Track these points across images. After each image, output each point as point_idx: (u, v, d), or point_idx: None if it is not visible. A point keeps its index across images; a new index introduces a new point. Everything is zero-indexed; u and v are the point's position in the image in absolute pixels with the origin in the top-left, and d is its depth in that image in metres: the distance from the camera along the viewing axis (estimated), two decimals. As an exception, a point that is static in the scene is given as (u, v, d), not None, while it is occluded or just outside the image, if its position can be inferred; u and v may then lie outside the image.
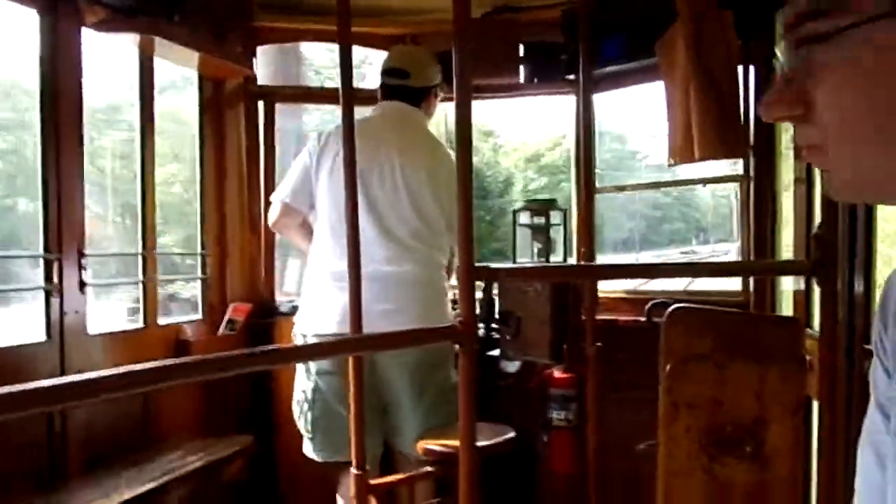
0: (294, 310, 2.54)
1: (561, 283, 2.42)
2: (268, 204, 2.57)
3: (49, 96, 2.15)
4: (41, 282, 2.15)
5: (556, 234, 2.89)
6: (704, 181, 2.74)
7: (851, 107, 0.51)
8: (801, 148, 0.57)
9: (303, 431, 2.34)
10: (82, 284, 2.22)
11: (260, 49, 3.01)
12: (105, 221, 4.35)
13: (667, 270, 1.52)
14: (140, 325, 2.56)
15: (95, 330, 2.32)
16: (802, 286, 1.92)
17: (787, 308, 2.26)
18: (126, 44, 2.45)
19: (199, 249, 2.89)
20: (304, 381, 2.32)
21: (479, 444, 1.11)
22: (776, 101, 0.55)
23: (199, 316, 2.86)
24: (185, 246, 3.19)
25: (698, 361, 1.50)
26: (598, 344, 2.19)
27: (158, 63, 2.57)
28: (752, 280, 2.37)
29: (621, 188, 3.10)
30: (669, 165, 2.46)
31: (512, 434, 2.32)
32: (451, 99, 3.21)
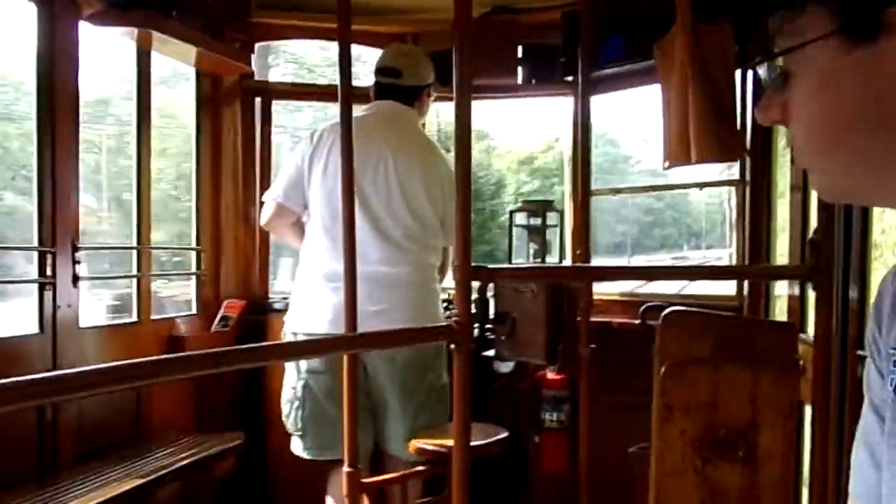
0: (287, 307, 2.54)
1: (556, 285, 2.42)
2: (262, 202, 2.56)
3: (45, 89, 2.14)
4: (34, 275, 2.14)
5: (552, 236, 2.89)
6: (701, 185, 2.75)
7: (810, 119, 0.55)
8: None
9: (291, 430, 2.33)
10: (76, 278, 2.20)
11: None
12: (94, 216, 4.33)
13: (663, 273, 1.52)
14: (133, 319, 2.55)
15: (88, 324, 2.31)
16: (797, 291, 1.93)
17: (780, 313, 2.27)
18: (123, 38, 2.44)
19: (193, 245, 2.88)
20: (293, 379, 2.32)
21: (472, 444, 1.11)
22: (763, 107, 0.59)
23: (192, 311, 2.85)
24: (172, 243, 3.17)
25: (693, 365, 1.50)
26: (593, 346, 2.19)
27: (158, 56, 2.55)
28: (746, 284, 2.38)
29: (617, 190, 3.10)
30: (665, 168, 2.47)
31: (504, 434, 2.32)
32: (448, 98, 3.22)
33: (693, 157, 2.11)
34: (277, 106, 3.15)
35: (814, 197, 1.76)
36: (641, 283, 2.89)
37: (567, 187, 3.01)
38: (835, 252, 1.52)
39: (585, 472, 2.23)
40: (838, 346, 1.53)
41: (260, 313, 2.94)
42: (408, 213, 2.30)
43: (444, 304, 2.76)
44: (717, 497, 1.47)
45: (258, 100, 3.03)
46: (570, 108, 2.94)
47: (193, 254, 2.88)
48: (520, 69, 2.86)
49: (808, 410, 1.72)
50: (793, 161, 1.97)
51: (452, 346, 1.05)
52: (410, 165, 2.31)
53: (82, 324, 2.27)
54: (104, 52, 2.59)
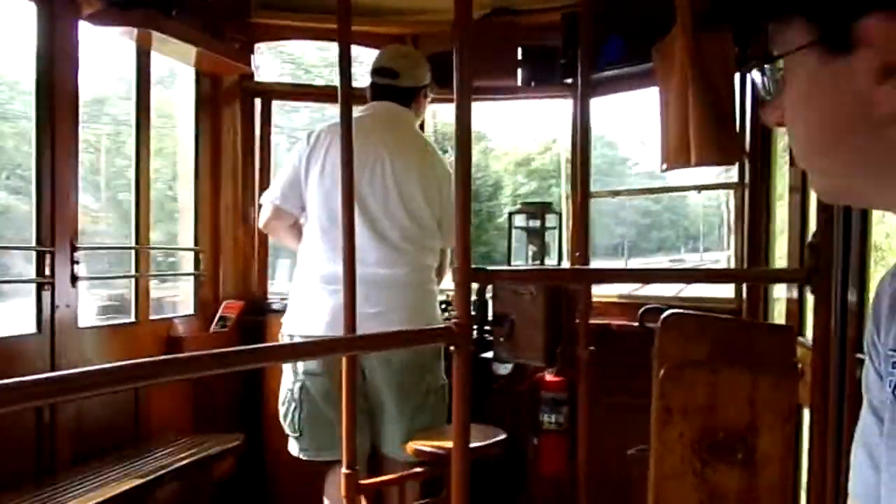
0: (286, 308, 2.54)
1: (555, 287, 2.42)
2: (260, 205, 2.56)
3: (44, 89, 2.14)
4: (32, 274, 2.14)
5: (551, 238, 2.90)
6: (700, 188, 2.75)
7: (802, 124, 0.57)
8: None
9: (288, 431, 2.33)
10: (74, 278, 2.20)
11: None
12: (89, 215, 4.32)
13: (662, 276, 1.53)
14: (132, 319, 2.55)
15: (86, 324, 2.31)
16: (795, 294, 1.93)
17: (779, 315, 2.27)
18: (122, 37, 2.44)
19: (192, 245, 2.88)
20: (290, 381, 2.32)
21: (471, 445, 1.11)
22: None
23: (190, 312, 2.84)
24: (166, 243, 3.17)
25: (692, 367, 1.50)
26: (591, 348, 2.19)
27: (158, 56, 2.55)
28: (744, 287, 2.38)
29: (616, 192, 3.11)
30: (663, 170, 2.47)
31: (503, 436, 2.32)
32: (446, 100, 3.22)
33: (693, 160, 2.12)
34: (274, 106, 3.15)
35: (813, 199, 1.77)
36: (639, 285, 2.89)
37: (564, 189, 3.01)
38: (834, 255, 1.52)
39: (584, 474, 2.23)
40: (837, 349, 1.53)
41: (258, 314, 2.94)
42: (405, 214, 2.30)
43: (443, 306, 2.76)
44: (716, 499, 1.47)
45: (258, 100, 3.03)
46: (568, 109, 2.95)
47: (191, 254, 2.88)
48: (519, 71, 2.86)
49: (806, 413, 1.72)
50: (792, 163, 1.97)
51: (452, 347, 1.05)
52: (407, 166, 2.31)
53: (80, 324, 2.27)
54: (100, 51, 2.58)
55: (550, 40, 2.80)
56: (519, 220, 2.91)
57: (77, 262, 2.20)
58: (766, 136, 2.28)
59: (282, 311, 2.49)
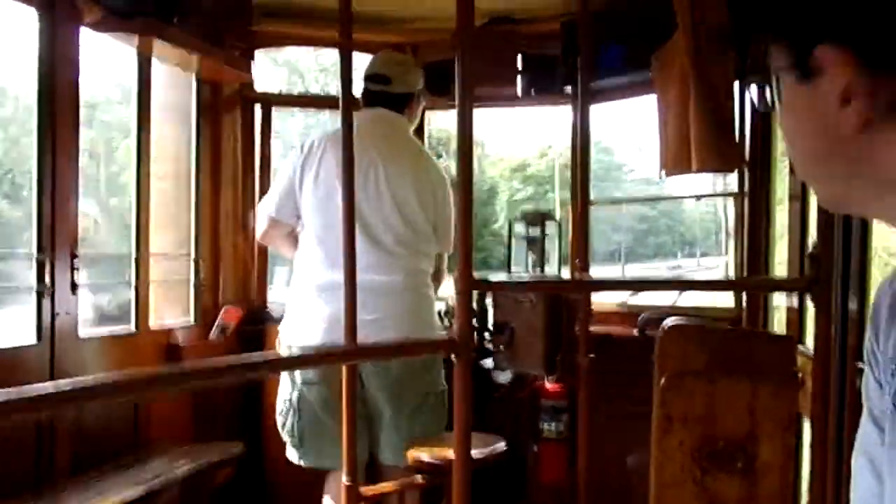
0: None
1: (555, 295, 2.42)
2: (257, 214, 2.56)
3: (45, 95, 2.14)
4: (30, 282, 2.14)
5: (551, 246, 2.90)
6: (699, 196, 2.75)
7: (793, 138, 0.59)
8: None
9: (287, 440, 2.33)
10: (74, 286, 2.20)
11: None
12: (83, 223, 4.31)
13: (663, 285, 1.53)
14: (131, 328, 2.54)
15: (86, 332, 2.30)
16: (795, 302, 1.93)
17: (779, 324, 2.27)
18: (123, 44, 2.45)
19: (191, 253, 2.88)
20: (288, 390, 2.31)
21: (472, 454, 1.11)
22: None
23: (190, 320, 2.84)
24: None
25: (692, 376, 1.50)
26: (592, 356, 2.19)
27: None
28: (744, 295, 2.38)
29: (616, 201, 3.11)
30: (662, 177, 2.47)
31: (503, 445, 2.32)
32: (448, 108, 3.22)
33: (693, 167, 2.12)
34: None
35: (813, 207, 1.77)
36: (635, 292, 2.89)
37: (559, 194, 3.02)
38: (834, 263, 1.53)
39: (584, 482, 2.23)
40: (837, 358, 1.53)
41: (258, 322, 2.94)
42: (399, 219, 2.30)
43: (444, 314, 2.76)
44: (717, 509, 1.47)
45: (258, 108, 3.04)
46: (563, 115, 2.97)
47: (191, 261, 2.88)
48: (519, 79, 2.87)
49: (807, 423, 1.72)
50: (792, 170, 1.98)
51: (453, 357, 1.05)
52: (401, 171, 2.31)
53: (80, 332, 2.27)
54: (93, 55, 2.57)
55: (550, 49, 2.81)
56: (519, 228, 2.92)
57: (77, 270, 2.20)
58: (765, 142, 2.29)
59: (281, 319, 2.49)
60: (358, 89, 2.41)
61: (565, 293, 2.45)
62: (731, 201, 2.65)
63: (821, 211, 1.39)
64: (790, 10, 0.56)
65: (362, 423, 2.27)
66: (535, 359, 2.40)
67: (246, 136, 3.01)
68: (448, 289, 2.53)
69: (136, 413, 2.47)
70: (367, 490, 2.10)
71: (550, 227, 2.89)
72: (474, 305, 2.57)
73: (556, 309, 2.43)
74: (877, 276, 1.59)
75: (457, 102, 1.11)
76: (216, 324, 2.83)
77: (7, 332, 2.20)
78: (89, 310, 2.92)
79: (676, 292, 2.81)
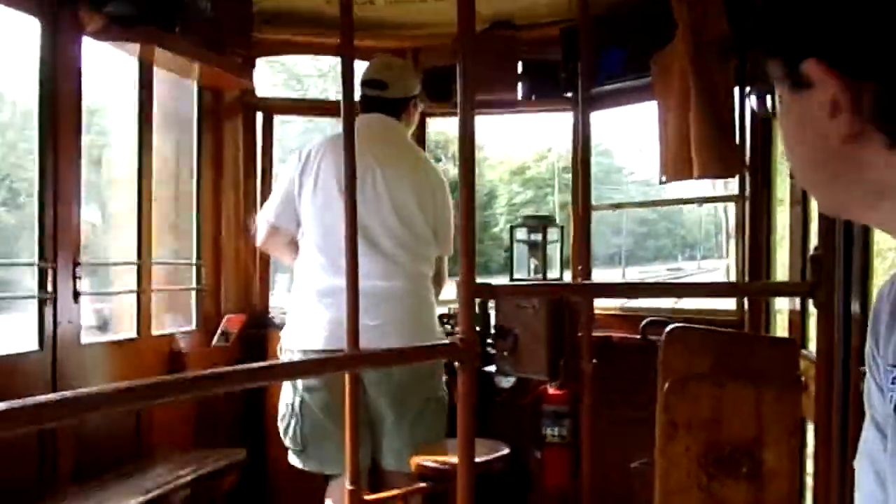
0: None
1: (557, 300, 2.42)
2: (255, 223, 2.56)
3: (47, 104, 2.14)
4: (32, 289, 2.14)
5: (553, 251, 2.90)
6: (701, 200, 2.76)
7: (791, 146, 0.60)
8: None
9: (290, 445, 2.33)
10: (76, 294, 2.20)
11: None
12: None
13: (666, 290, 1.52)
14: (133, 335, 2.54)
15: (88, 339, 2.30)
16: (798, 306, 1.93)
17: (781, 327, 2.27)
18: (125, 52, 2.46)
19: (193, 259, 2.88)
20: (290, 396, 2.31)
21: (475, 460, 1.10)
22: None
23: (192, 326, 2.84)
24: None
25: (696, 381, 1.50)
26: (595, 361, 2.19)
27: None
28: (746, 299, 2.38)
29: (618, 205, 3.11)
30: (661, 182, 2.48)
31: (506, 450, 2.32)
32: (448, 114, 3.23)
33: (696, 173, 2.12)
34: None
35: (814, 210, 1.77)
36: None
37: (559, 197, 3.02)
38: (836, 266, 1.53)
39: (587, 488, 2.22)
40: (841, 362, 1.53)
41: (260, 328, 2.94)
42: (398, 223, 2.30)
43: (445, 319, 2.76)
44: (722, 514, 1.47)
45: (259, 115, 3.05)
46: (562, 118, 2.98)
47: (193, 267, 2.88)
48: (520, 84, 2.88)
49: (810, 426, 1.71)
50: (793, 174, 1.98)
51: (457, 363, 1.05)
52: (399, 175, 2.31)
53: (87, 339, 2.27)
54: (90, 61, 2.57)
55: (551, 54, 2.82)
56: (520, 234, 2.92)
57: (79, 278, 2.20)
58: (765, 146, 2.29)
59: (283, 325, 2.49)
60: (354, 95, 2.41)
61: (567, 298, 2.45)
62: (731, 203, 2.65)
63: (822, 214, 1.39)
64: (777, 28, 0.58)
65: (364, 428, 2.27)
66: (538, 364, 2.40)
67: (247, 142, 3.01)
68: (450, 293, 2.53)
69: (139, 420, 2.46)
70: (371, 496, 2.09)
71: (553, 234, 2.89)
72: (476, 310, 2.56)
73: (559, 314, 2.43)
74: (882, 277, 1.59)
75: (458, 108, 1.11)
76: (219, 330, 2.83)
77: (17, 338, 2.20)
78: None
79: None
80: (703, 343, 1.54)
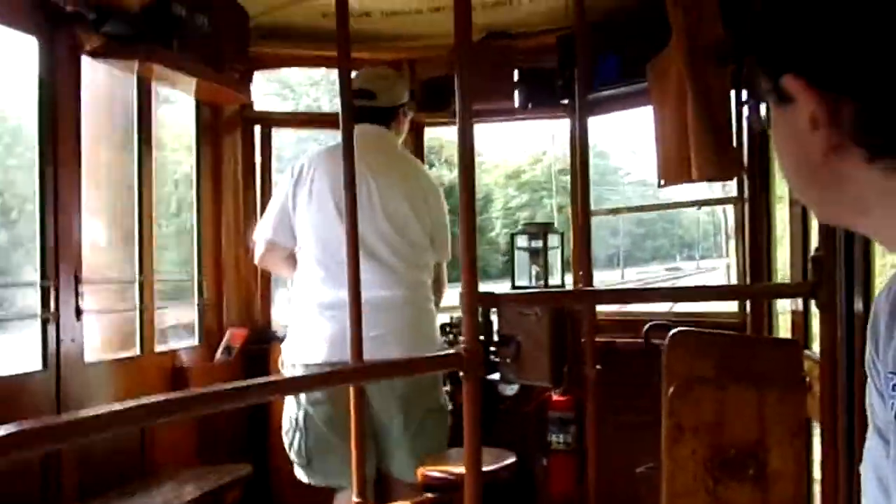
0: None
1: (559, 306, 2.42)
2: (254, 241, 2.56)
3: (47, 123, 2.15)
4: (35, 308, 2.14)
5: (554, 257, 2.90)
6: (699, 203, 2.76)
7: (780, 157, 0.61)
8: None
9: (295, 460, 2.32)
10: (79, 312, 2.20)
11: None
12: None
13: (668, 294, 1.53)
14: (136, 351, 2.54)
15: (92, 357, 2.30)
16: (800, 306, 1.93)
17: (784, 328, 2.27)
18: (123, 71, 2.46)
19: (195, 273, 2.88)
20: (293, 410, 2.31)
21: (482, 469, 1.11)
22: None
23: (195, 342, 2.84)
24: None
25: (700, 384, 1.50)
26: (598, 366, 2.19)
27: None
28: (748, 300, 2.38)
29: (616, 210, 3.12)
30: (660, 186, 2.48)
31: (513, 459, 2.31)
32: (444, 123, 3.23)
33: (693, 176, 2.13)
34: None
35: (813, 212, 1.77)
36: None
37: (556, 200, 3.03)
38: (837, 266, 1.53)
39: (593, 494, 2.22)
40: (844, 362, 1.53)
41: (263, 342, 2.94)
42: (394, 232, 2.30)
43: (448, 328, 2.76)
44: (729, 517, 1.46)
45: (257, 128, 3.06)
46: (557, 121, 2.98)
47: (195, 282, 2.89)
48: (516, 93, 2.89)
49: (816, 427, 1.71)
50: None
51: (461, 373, 1.05)
52: (391, 182, 2.32)
53: (90, 357, 2.27)
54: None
55: (547, 62, 2.83)
56: (521, 241, 2.93)
57: (81, 296, 2.20)
58: (763, 149, 2.30)
59: (284, 339, 2.49)
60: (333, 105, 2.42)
61: (571, 305, 2.45)
62: (731, 206, 2.65)
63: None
64: (758, 43, 0.59)
65: (369, 439, 2.27)
66: (542, 371, 2.40)
67: (246, 156, 3.02)
68: (450, 299, 2.53)
69: (143, 437, 2.46)
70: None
71: (553, 239, 2.89)
72: (479, 319, 2.56)
73: (561, 320, 2.43)
74: (884, 275, 1.59)
75: (457, 118, 1.12)
76: (222, 345, 2.83)
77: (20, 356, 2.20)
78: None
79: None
80: (705, 346, 1.54)
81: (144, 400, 0.73)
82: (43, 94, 2.14)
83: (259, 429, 2.88)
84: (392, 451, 2.34)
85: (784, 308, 2.25)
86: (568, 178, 3.11)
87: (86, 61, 2.25)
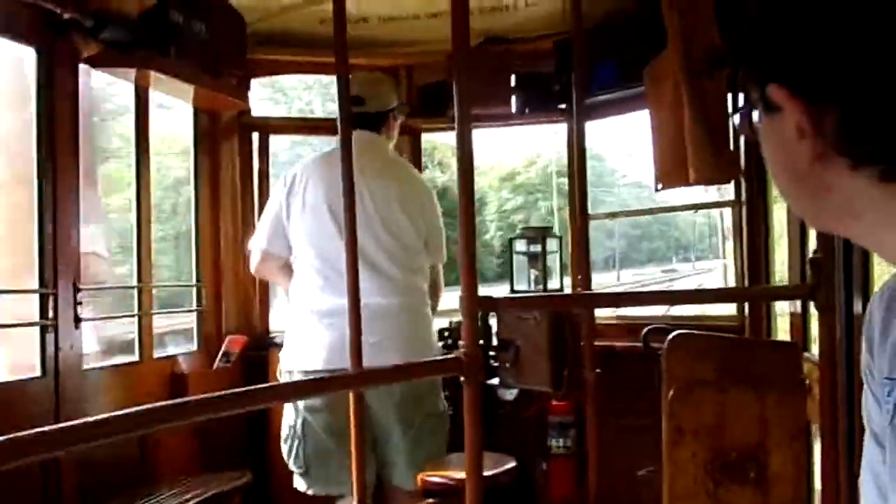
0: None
1: (558, 311, 2.42)
2: (249, 250, 2.56)
3: (45, 131, 2.15)
4: (34, 316, 2.14)
5: (552, 261, 2.91)
6: (696, 206, 2.77)
7: (769, 165, 0.62)
8: None
9: (294, 468, 2.32)
10: (77, 319, 2.20)
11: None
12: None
13: (668, 298, 1.53)
14: (135, 358, 2.54)
15: (90, 364, 2.30)
16: (799, 308, 1.93)
17: (783, 330, 2.27)
18: (120, 78, 2.47)
19: (193, 280, 2.88)
20: (291, 418, 2.30)
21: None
22: None
23: (193, 348, 2.84)
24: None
25: (699, 387, 1.50)
26: (598, 370, 2.19)
27: (126, 84, 2.54)
28: (747, 303, 2.39)
29: (613, 214, 3.12)
30: (657, 190, 2.49)
31: (513, 463, 2.31)
32: (441, 129, 3.23)
33: (691, 179, 2.14)
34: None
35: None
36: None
37: (553, 202, 3.04)
38: (835, 268, 1.53)
39: (594, 498, 2.22)
40: (844, 364, 1.53)
41: (261, 349, 2.93)
42: (388, 237, 2.30)
43: (445, 333, 2.76)
44: (730, 520, 1.46)
45: (255, 135, 3.06)
46: (552, 124, 2.99)
47: (193, 289, 2.89)
48: (514, 98, 2.90)
49: (816, 430, 1.71)
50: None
51: (462, 378, 1.05)
52: (384, 185, 2.32)
53: (88, 363, 2.26)
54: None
55: (544, 67, 2.84)
56: (519, 246, 2.93)
57: (80, 303, 2.20)
58: (760, 152, 2.30)
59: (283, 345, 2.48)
60: (333, 113, 2.42)
61: (570, 309, 2.45)
62: (729, 209, 2.66)
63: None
64: (745, 52, 0.60)
65: (368, 447, 2.27)
66: (542, 375, 2.40)
67: (244, 162, 3.02)
68: (448, 304, 2.53)
69: (143, 444, 2.45)
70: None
71: (551, 243, 2.90)
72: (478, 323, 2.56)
73: (560, 324, 2.43)
74: (882, 276, 1.59)
75: (456, 124, 1.12)
76: (221, 351, 2.83)
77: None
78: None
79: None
80: (704, 349, 1.55)
81: (141, 407, 0.72)
82: (41, 102, 2.15)
83: (259, 436, 2.87)
84: (391, 458, 2.33)
85: (783, 310, 2.26)
86: (563, 179, 3.12)
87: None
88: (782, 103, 0.55)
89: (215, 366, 2.80)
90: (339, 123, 1.60)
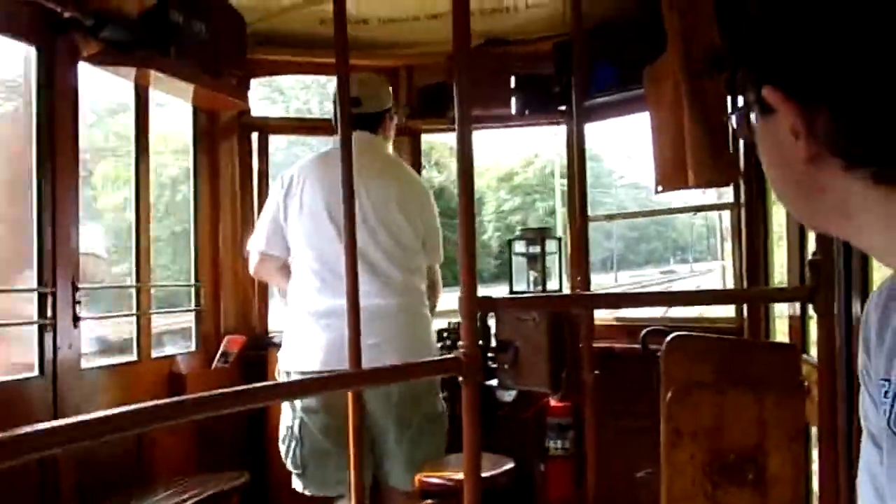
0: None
1: (557, 312, 2.43)
2: (248, 251, 2.56)
3: (45, 130, 2.15)
4: (32, 315, 2.13)
5: (551, 261, 2.91)
6: (696, 209, 2.77)
7: (765, 167, 0.63)
8: None
9: (291, 468, 2.31)
10: (76, 318, 2.19)
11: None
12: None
13: (668, 299, 1.53)
14: (134, 358, 2.54)
15: (89, 363, 2.29)
16: (798, 310, 1.93)
17: (781, 332, 2.27)
18: (121, 77, 2.47)
19: (192, 280, 2.88)
20: (289, 418, 2.30)
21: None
22: None
23: (192, 347, 2.84)
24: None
25: (698, 388, 1.50)
26: (597, 372, 2.19)
27: (121, 81, 2.53)
28: (745, 305, 2.39)
29: (612, 216, 3.13)
30: (657, 192, 2.49)
31: (511, 465, 2.31)
32: (442, 130, 3.23)
33: (691, 182, 2.14)
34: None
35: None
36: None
37: (556, 202, 3.04)
38: (835, 270, 1.53)
39: (592, 499, 2.22)
40: (843, 366, 1.53)
41: (260, 349, 2.93)
42: (387, 237, 2.30)
43: (445, 334, 2.76)
44: (729, 522, 1.46)
45: (254, 135, 3.06)
46: (552, 125, 2.99)
47: (192, 289, 2.88)
48: (513, 99, 2.90)
49: (815, 432, 1.71)
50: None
51: (460, 379, 1.05)
52: (382, 185, 2.32)
53: (87, 363, 2.26)
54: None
55: (544, 69, 2.84)
56: (519, 247, 2.93)
57: (79, 303, 2.20)
58: (757, 154, 2.30)
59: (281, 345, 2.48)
60: (328, 113, 2.42)
61: (570, 309, 2.45)
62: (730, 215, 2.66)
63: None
64: (742, 55, 0.61)
65: (366, 448, 2.27)
66: (540, 376, 2.40)
67: (243, 162, 3.02)
68: (446, 304, 2.53)
69: (141, 444, 2.45)
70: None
71: (550, 245, 2.90)
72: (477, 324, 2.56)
73: (559, 326, 2.43)
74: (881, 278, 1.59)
75: (456, 125, 1.12)
76: (219, 352, 2.82)
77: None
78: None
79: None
80: (703, 351, 1.55)
81: (138, 405, 0.72)
82: (41, 101, 2.14)
83: (257, 437, 2.87)
84: (388, 459, 2.33)
85: (781, 312, 2.26)
86: (560, 180, 3.12)
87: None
88: (777, 105, 0.56)
89: (214, 366, 2.80)
90: (339, 124, 1.60)
